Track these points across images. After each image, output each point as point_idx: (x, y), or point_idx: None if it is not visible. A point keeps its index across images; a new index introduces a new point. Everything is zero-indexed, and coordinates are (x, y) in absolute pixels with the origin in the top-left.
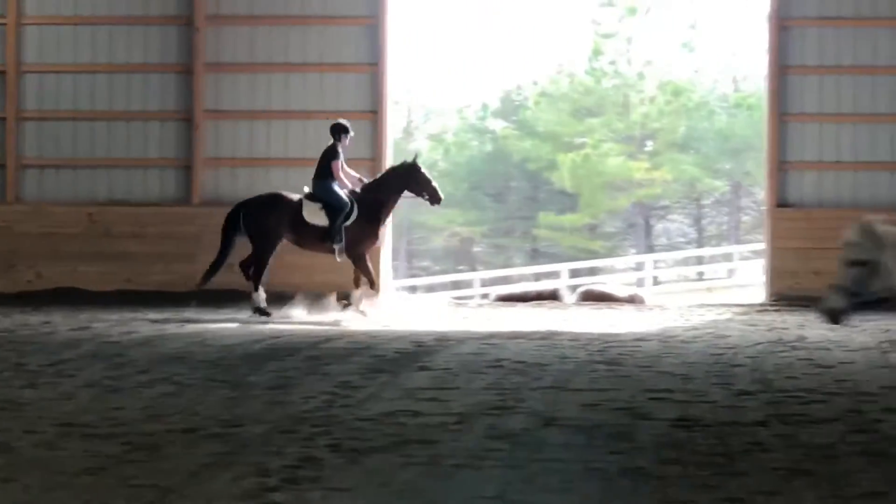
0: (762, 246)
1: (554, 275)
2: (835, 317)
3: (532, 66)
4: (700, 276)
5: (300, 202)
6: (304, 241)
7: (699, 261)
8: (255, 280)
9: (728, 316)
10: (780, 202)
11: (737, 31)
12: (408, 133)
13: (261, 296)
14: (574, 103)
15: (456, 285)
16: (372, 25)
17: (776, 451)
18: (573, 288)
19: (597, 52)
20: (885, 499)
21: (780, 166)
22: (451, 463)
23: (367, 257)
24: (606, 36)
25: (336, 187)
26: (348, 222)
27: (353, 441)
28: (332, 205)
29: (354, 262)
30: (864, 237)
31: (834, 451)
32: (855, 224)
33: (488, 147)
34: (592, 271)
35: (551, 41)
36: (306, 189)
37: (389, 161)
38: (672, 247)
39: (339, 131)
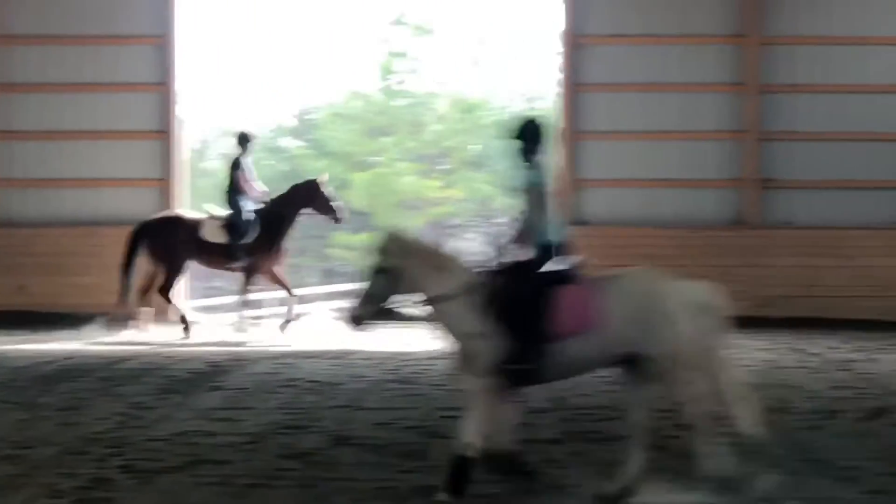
0: None
1: (349, 294)
2: (358, 323)
3: (325, 85)
4: None
5: (200, 221)
6: (206, 260)
7: None
8: (164, 295)
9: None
10: (575, 220)
11: (529, 49)
12: (201, 153)
13: (178, 307)
14: (367, 122)
15: (250, 305)
16: (161, 45)
17: (569, 467)
18: None
19: (388, 71)
20: None
21: (575, 184)
22: (244, 482)
23: (276, 271)
24: (397, 55)
25: (243, 201)
26: (250, 239)
27: (145, 462)
28: (233, 222)
29: (252, 278)
30: (390, 245)
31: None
32: (382, 232)
33: (283, 166)
34: None
35: (343, 60)
36: (209, 208)
37: (181, 181)
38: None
39: (241, 140)
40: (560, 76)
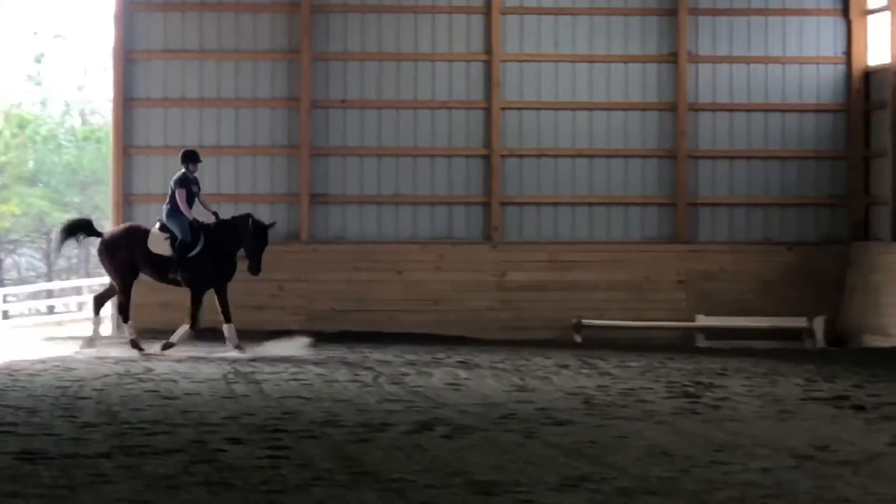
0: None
1: None
2: None
3: None
4: (51, 310)
5: (149, 232)
6: (154, 273)
7: (49, 294)
8: (121, 314)
9: (76, 349)
10: None
11: (84, 64)
12: None
13: (130, 329)
14: None
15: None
16: None
17: (119, 482)
18: None
19: None
20: None
21: (126, 199)
22: None
23: (225, 290)
24: None
25: (180, 218)
26: (193, 253)
27: None
28: (176, 236)
29: (196, 294)
30: None
31: (176, 482)
32: None
33: None
34: None
35: None
36: (159, 219)
37: None
38: (22, 280)
39: (185, 159)
40: (111, 91)
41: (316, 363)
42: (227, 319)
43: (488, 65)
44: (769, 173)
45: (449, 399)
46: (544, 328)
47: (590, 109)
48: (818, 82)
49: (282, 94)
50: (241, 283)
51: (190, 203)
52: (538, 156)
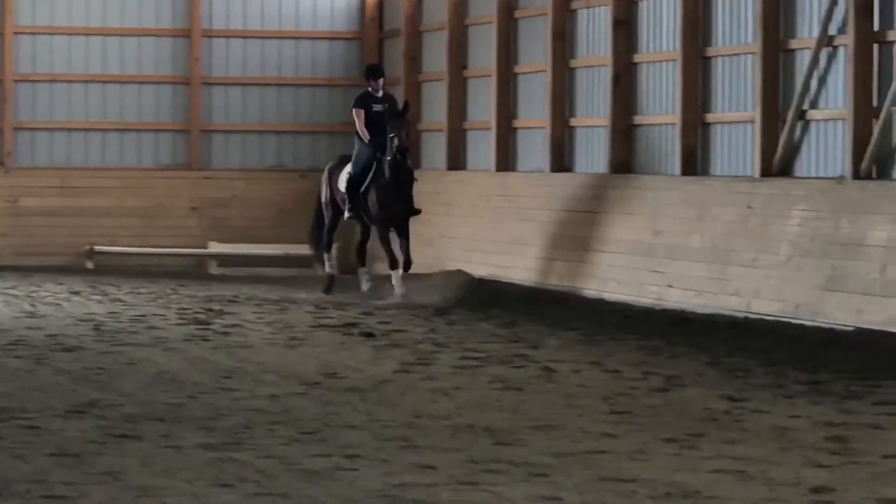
0: None
1: None
2: None
3: None
4: None
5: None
6: (334, 209)
7: None
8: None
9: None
10: None
11: None
12: None
13: (326, 259)
14: None
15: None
16: None
17: None
18: None
19: None
20: None
21: None
22: None
23: (392, 229)
24: None
25: (360, 144)
26: (362, 187)
27: None
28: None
29: (377, 235)
30: None
31: None
32: None
33: None
34: None
35: None
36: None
37: None
38: None
39: (367, 74)
40: None
41: None
42: (394, 265)
43: None
44: (282, 101)
45: None
46: (57, 254)
47: (104, 35)
48: (332, 10)
49: None
50: None
51: (373, 126)
52: (51, 81)
